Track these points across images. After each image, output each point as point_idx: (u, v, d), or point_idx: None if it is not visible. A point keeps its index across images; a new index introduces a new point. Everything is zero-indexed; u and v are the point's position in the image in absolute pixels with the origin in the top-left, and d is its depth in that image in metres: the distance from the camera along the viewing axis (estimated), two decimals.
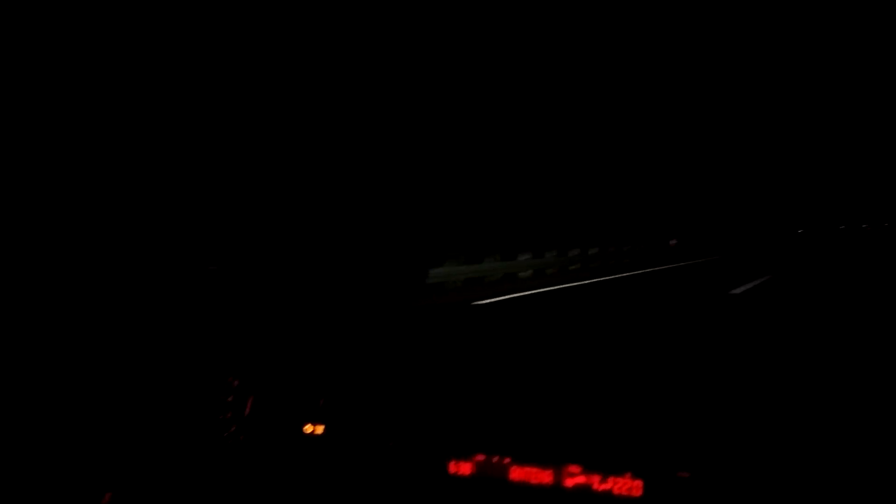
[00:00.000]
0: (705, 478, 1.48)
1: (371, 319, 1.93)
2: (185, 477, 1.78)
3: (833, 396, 1.49)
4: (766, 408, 1.51)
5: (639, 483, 1.54)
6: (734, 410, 1.52)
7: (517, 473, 1.61)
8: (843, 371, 1.54)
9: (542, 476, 1.60)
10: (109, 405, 1.79)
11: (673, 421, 1.54)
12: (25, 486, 1.63)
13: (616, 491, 1.55)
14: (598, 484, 1.56)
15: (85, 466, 1.70)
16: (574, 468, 1.58)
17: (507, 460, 1.62)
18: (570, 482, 1.58)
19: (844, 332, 1.95)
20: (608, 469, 1.56)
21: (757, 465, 1.46)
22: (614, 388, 1.62)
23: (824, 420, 1.46)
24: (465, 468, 1.64)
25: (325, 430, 1.78)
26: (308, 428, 1.80)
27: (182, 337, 1.94)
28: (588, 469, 1.57)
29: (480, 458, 1.64)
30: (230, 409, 1.81)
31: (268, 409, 1.83)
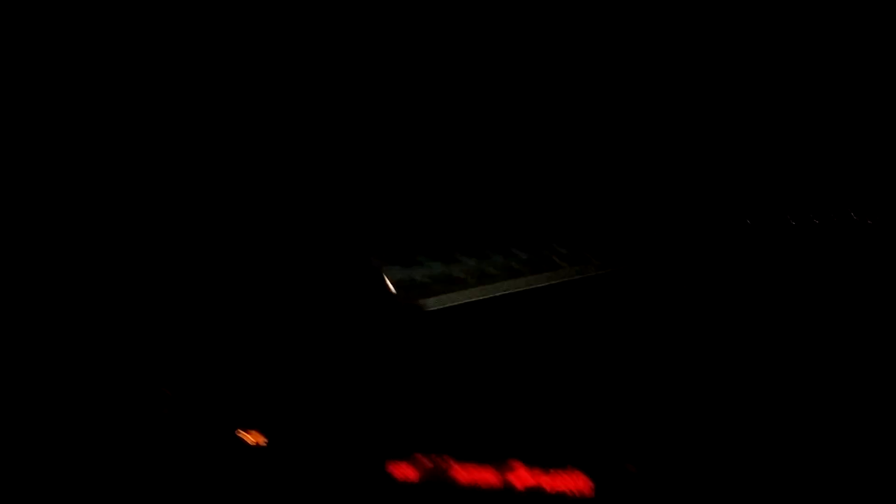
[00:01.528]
0: (653, 471, 1.44)
1: (314, 324, 1.86)
2: (121, 483, 1.69)
3: (785, 387, 1.47)
4: (715, 400, 1.48)
5: (584, 478, 1.49)
6: (683, 404, 1.49)
7: (460, 473, 1.55)
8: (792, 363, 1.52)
9: (485, 474, 1.54)
10: (46, 411, 1.71)
11: (620, 416, 1.50)
12: None
13: (564, 489, 1.50)
14: (544, 480, 1.51)
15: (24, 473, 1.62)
16: (517, 464, 1.53)
17: (448, 459, 1.56)
18: (514, 478, 1.52)
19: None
20: (553, 465, 1.51)
21: (705, 458, 1.43)
22: (561, 385, 1.57)
23: (771, 412, 1.44)
24: (406, 470, 1.58)
25: (263, 436, 1.71)
26: (245, 434, 1.72)
27: (118, 345, 1.85)
28: (532, 465, 1.52)
29: (421, 458, 1.58)
30: (165, 419, 1.73)
31: (204, 415, 1.75)
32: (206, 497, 1.67)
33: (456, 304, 1.88)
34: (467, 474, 1.54)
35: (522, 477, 1.51)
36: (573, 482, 1.49)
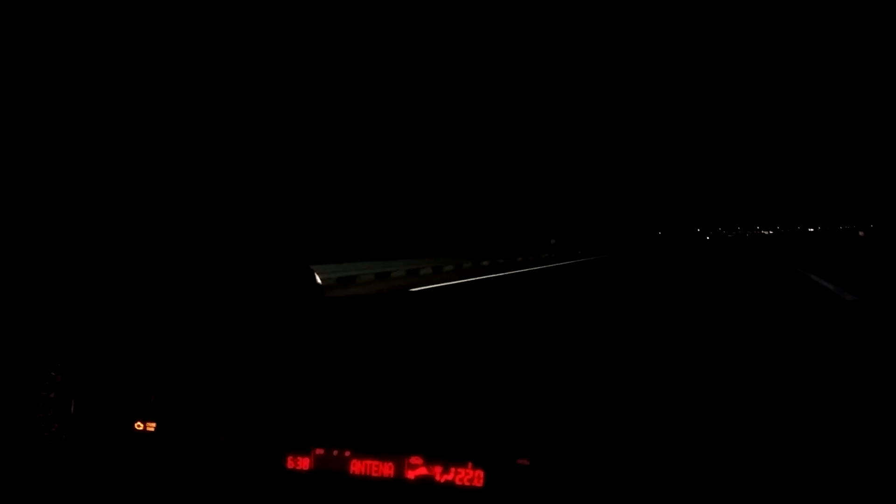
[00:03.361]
0: (545, 465, 1.45)
1: (213, 311, 1.82)
2: (5, 478, 1.62)
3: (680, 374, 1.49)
4: (609, 393, 1.49)
5: (480, 473, 1.49)
6: (573, 397, 1.50)
7: (358, 467, 1.54)
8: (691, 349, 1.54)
9: (383, 469, 1.53)
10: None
11: (512, 409, 1.51)
12: None
13: (458, 481, 1.50)
14: (439, 475, 1.51)
15: None
16: (415, 459, 1.52)
17: (346, 453, 1.55)
18: (411, 474, 1.52)
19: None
20: (449, 459, 1.51)
21: (597, 451, 1.44)
22: (455, 378, 1.57)
23: (667, 404, 1.46)
24: (303, 462, 1.56)
25: (156, 426, 1.66)
26: (139, 425, 1.67)
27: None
28: (429, 460, 1.52)
29: (319, 451, 1.56)
30: (52, 407, 1.66)
31: (96, 407, 1.69)
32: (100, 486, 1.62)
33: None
34: (364, 468, 1.53)
35: (419, 472, 1.51)
36: (468, 477, 1.49)
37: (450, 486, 1.50)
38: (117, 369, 1.70)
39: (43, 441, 1.64)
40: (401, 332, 1.72)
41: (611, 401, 1.48)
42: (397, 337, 1.68)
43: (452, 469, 1.51)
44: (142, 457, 1.65)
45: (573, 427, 1.47)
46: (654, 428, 1.44)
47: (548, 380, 1.52)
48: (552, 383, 1.52)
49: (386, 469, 1.53)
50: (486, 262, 21.08)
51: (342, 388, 1.59)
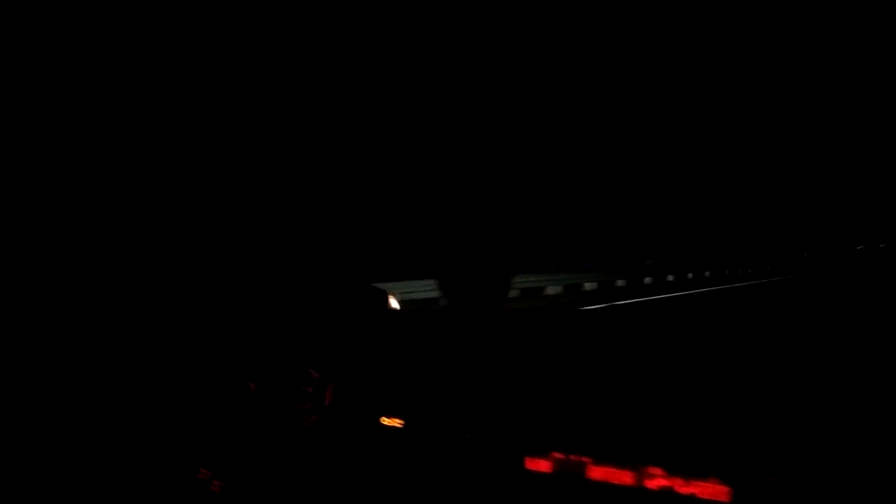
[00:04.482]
0: (797, 483, 1.41)
1: (455, 317, 1.94)
2: (270, 464, 1.83)
3: None
4: (868, 410, 1.42)
5: (725, 489, 1.47)
6: (829, 412, 1.44)
7: (597, 473, 1.57)
8: None
9: (623, 476, 1.55)
10: (197, 397, 1.86)
11: (762, 423, 1.48)
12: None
13: (700, 495, 1.49)
14: (681, 487, 1.51)
15: (178, 453, 1.77)
16: (655, 470, 1.53)
17: (585, 459, 1.59)
18: (651, 484, 1.53)
19: None
20: (692, 473, 1.50)
21: (853, 471, 1.37)
22: (700, 390, 1.56)
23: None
24: (542, 465, 1.62)
25: (402, 422, 1.80)
26: (386, 420, 1.82)
27: (263, 327, 2.00)
28: (670, 472, 1.52)
29: (558, 455, 1.61)
30: (311, 400, 1.85)
31: (347, 401, 1.86)
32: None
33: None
34: (603, 474, 1.56)
35: (659, 483, 1.51)
36: (711, 492, 1.48)
37: (692, 498, 1.49)
38: (368, 366, 1.86)
39: (304, 430, 1.83)
40: (642, 341, 1.75)
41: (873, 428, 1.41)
42: (640, 347, 1.71)
43: (693, 483, 1.50)
44: (388, 450, 1.79)
45: (830, 444, 1.41)
46: None
47: (805, 392, 1.48)
48: (810, 396, 1.47)
49: (626, 477, 1.55)
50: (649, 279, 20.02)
51: (575, 397, 1.63)
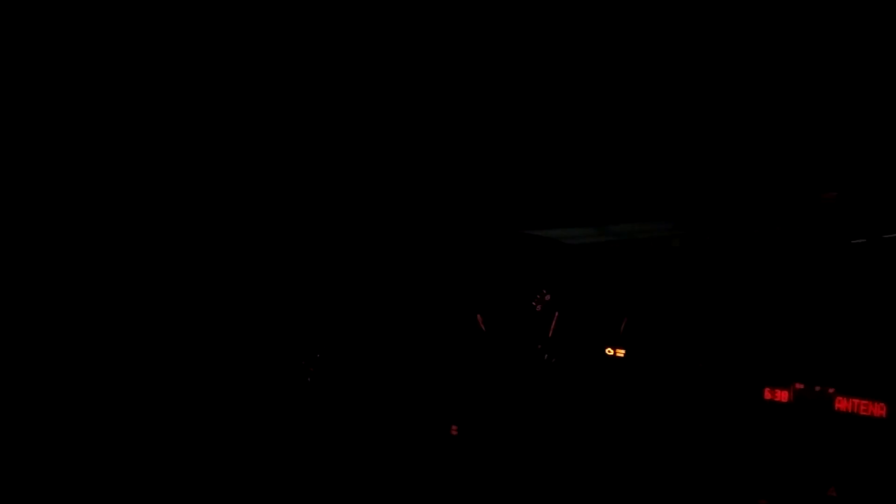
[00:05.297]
0: None
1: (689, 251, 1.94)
2: (497, 398, 1.95)
3: None
4: None
5: None
6: None
7: (843, 404, 1.54)
8: None
9: (873, 409, 1.51)
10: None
11: None
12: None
13: None
14: None
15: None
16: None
17: (830, 390, 1.56)
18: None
19: None
20: None
21: None
22: None
23: None
24: (781, 395, 1.61)
25: (626, 353, 1.84)
26: (609, 350, 1.86)
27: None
28: None
29: (799, 386, 1.59)
30: (539, 327, 1.94)
31: (572, 330, 1.93)
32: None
33: None
34: (850, 406, 1.53)
35: None
36: None
37: None
38: (593, 295, 1.91)
39: (530, 356, 1.93)
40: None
41: None
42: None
43: None
44: (612, 381, 1.84)
45: None
46: None
47: None
48: None
49: (877, 409, 1.51)
50: None
51: (815, 329, 1.59)
